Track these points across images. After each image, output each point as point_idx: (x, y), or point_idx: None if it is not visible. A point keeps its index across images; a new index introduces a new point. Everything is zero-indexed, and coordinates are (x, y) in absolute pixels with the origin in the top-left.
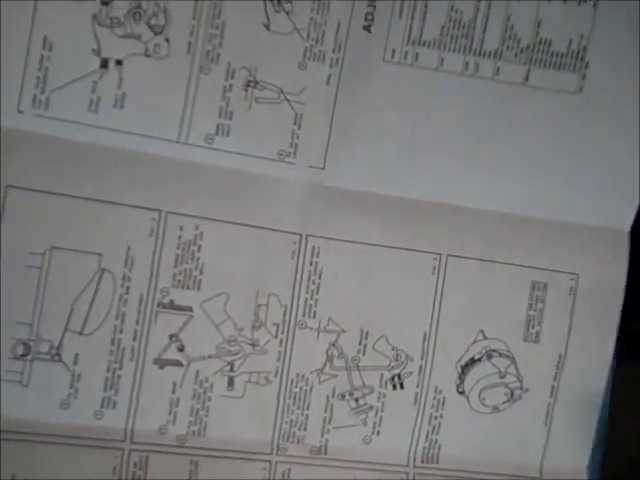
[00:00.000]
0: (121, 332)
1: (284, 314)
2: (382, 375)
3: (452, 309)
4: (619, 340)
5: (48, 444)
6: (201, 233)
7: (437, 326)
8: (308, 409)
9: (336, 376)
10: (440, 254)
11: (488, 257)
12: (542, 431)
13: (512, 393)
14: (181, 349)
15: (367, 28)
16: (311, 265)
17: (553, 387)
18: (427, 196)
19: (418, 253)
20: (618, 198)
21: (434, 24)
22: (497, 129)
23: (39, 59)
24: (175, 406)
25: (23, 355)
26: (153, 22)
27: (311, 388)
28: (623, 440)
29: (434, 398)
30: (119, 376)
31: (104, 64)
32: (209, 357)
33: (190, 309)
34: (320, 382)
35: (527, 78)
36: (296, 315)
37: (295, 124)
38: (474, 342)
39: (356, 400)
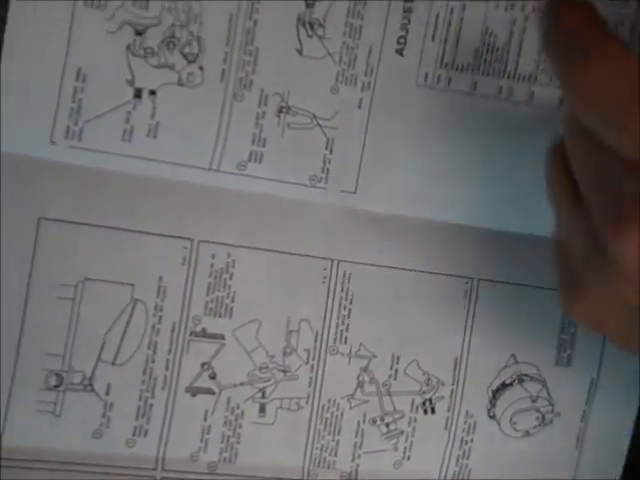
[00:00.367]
0: (153, 362)
1: (315, 340)
2: (413, 400)
3: (483, 333)
4: None
5: (81, 473)
6: (233, 261)
7: (468, 350)
8: (339, 434)
9: (367, 401)
10: (472, 278)
11: (519, 281)
12: (573, 455)
13: (543, 417)
14: (213, 377)
15: (399, 52)
16: (342, 290)
17: (584, 411)
18: (459, 219)
19: (449, 277)
20: None
21: (468, 48)
22: (534, 153)
23: (72, 91)
24: (206, 433)
25: (56, 386)
26: (187, 50)
27: (342, 413)
28: None
29: (465, 422)
30: (151, 405)
31: (137, 94)
32: (241, 384)
33: (222, 337)
34: (351, 407)
35: (562, 102)
36: (327, 341)
37: (327, 149)
38: (505, 366)
39: (387, 425)
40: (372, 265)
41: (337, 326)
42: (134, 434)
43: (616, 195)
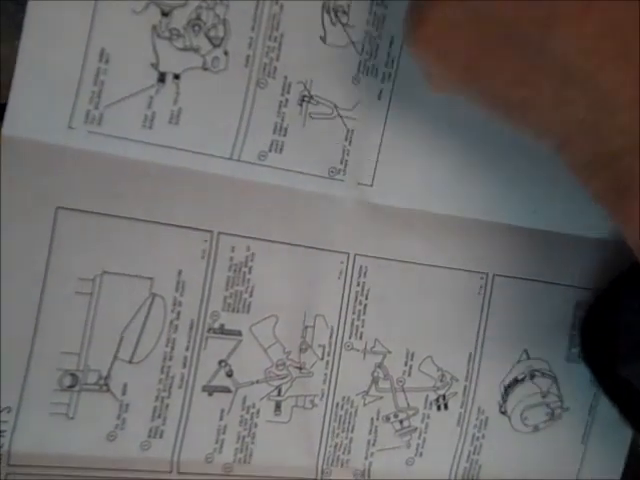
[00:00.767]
0: (171, 359)
1: (330, 335)
2: (427, 396)
3: (497, 329)
4: None
5: (94, 478)
6: (252, 254)
7: (482, 346)
8: (352, 432)
9: (381, 398)
10: (487, 273)
11: (534, 276)
12: (579, 449)
13: (553, 412)
14: (230, 375)
15: None
16: (358, 285)
17: (592, 406)
18: (475, 214)
19: (465, 272)
20: None
21: None
22: None
23: (95, 72)
24: (222, 434)
25: (70, 386)
26: (212, 34)
27: (356, 411)
28: None
29: (477, 418)
30: (167, 405)
31: (161, 78)
32: (257, 382)
33: (239, 333)
34: (365, 404)
35: None
36: (342, 336)
37: (346, 140)
38: (518, 362)
39: (400, 422)
40: (388, 259)
41: (352, 322)
42: (149, 435)
43: None
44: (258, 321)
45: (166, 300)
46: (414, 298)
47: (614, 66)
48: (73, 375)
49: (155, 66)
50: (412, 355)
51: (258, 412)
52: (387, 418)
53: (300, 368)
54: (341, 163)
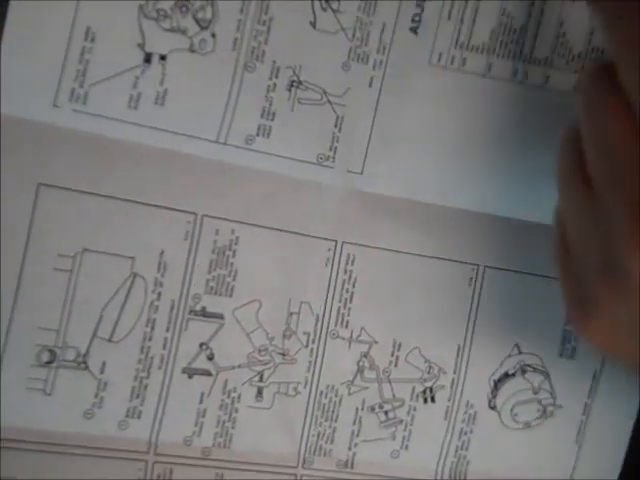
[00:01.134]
0: (150, 340)
1: (315, 323)
2: (414, 388)
3: (487, 322)
4: None
5: (70, 455)
6: (237, 238)
7: (471, 339)
8: (336, 421)
9: (366, 388)
10: (477, 265)
11: (526, 269)
12: (573, 449)
13: (545, 409)
14: (211, 358)
15: (414, 30)
16: (345, 273)
17: (586, 404)
18: (466, 205)
19: (455, 263)
20: None
21: (484, 28)
22: (547, 139)
23: (80, 50)
24: (202, 417)
25: (48, 362)
26: (200, 16)
27: (340, 400)
28: None
29: (465, 413)
30: (146, 385)
31: (147, 59)
32: (239, 367)
33: (221, 317)
34: (350, 394)
35: (577, 88)
36: (328, 324)
37: (336, 127)
38: (508, 356)
39: (386, 413)
40: (376, 248)
41: (339, 309)
42: (127, 415)
43: (636, 202)
44: (241, 305)
45: (147, 280)
46: (402, 288)
47: None
48: (51, 351)
49: (141, 46)
50: (399, 345)
51: (239, 397)
52: (372, 409)
53: (284, 354)
54: (330, 150)
